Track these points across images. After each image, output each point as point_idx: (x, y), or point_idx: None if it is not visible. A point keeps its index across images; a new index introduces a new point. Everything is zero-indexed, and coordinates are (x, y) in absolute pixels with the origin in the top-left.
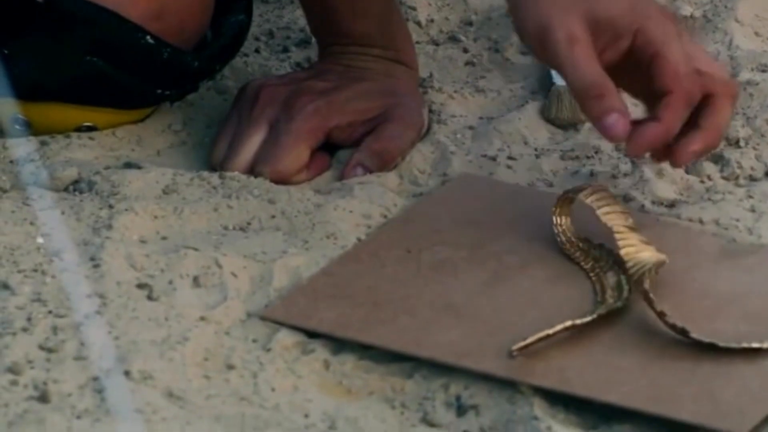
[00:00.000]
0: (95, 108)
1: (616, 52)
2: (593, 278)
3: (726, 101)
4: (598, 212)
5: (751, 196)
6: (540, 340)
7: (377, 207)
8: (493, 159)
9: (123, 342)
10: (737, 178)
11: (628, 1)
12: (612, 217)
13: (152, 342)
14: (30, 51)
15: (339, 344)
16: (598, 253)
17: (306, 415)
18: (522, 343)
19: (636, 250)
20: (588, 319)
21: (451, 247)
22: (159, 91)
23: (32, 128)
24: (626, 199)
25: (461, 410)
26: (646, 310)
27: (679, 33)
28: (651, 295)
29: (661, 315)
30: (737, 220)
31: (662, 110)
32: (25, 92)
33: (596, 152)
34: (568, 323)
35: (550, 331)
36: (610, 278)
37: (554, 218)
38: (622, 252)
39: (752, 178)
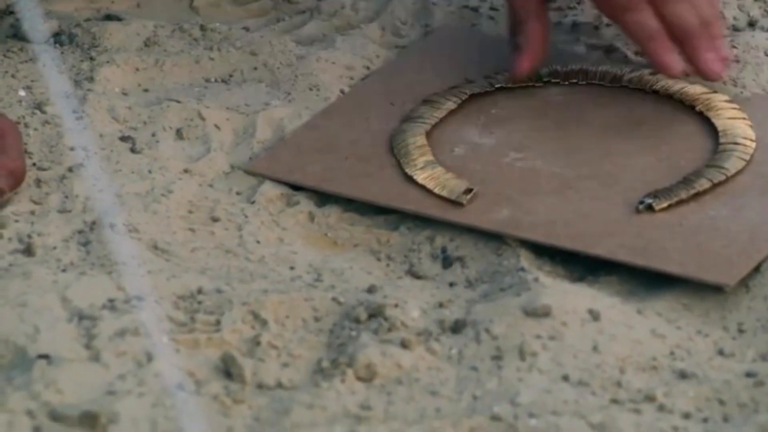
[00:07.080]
0: None
1: None
2: None
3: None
4: None
5: (734, 47)
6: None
7: (359, 58)
8: (475, 10)
9: (107, 195)
10: None
11: None
12: None
13: (136, 194)
14: None
15: (323, 196)
16: None
17: (292, 267)
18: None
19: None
20: None
21: None
22: None
23: None
24: (609, 50)
25: (447, 262)
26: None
27: None
28: None
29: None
30: None
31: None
32: None
33: (578, 2)
34: None
35: None
36: None
37: None
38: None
39: (735, 29)
